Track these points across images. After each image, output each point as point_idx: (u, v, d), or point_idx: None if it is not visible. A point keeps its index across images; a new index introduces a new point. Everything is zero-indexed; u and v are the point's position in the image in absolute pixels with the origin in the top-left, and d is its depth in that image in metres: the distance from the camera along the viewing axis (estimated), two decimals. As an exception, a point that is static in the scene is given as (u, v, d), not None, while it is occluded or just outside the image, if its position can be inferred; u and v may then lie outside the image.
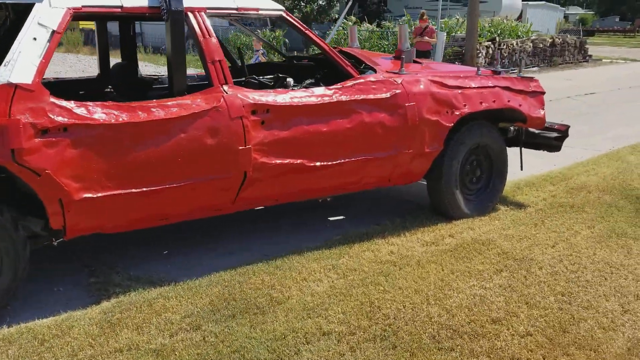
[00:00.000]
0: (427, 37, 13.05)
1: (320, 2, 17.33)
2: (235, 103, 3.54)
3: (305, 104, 3.81)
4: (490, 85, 4.67)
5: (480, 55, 17.47)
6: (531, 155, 5.72)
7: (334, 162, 3.97)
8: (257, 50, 10.80)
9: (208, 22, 3.60)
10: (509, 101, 4.71)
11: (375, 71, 4.33)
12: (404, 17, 12.91)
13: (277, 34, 20.13)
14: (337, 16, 19.29)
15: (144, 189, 3.33)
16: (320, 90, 3.93)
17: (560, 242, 4.35)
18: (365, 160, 4.11)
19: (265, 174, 3.72)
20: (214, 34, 3.60)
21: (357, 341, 3.03)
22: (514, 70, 18.86)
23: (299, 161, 3.82)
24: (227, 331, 3.09)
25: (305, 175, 3.90)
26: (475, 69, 4.87)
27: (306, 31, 3.99)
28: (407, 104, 4.19)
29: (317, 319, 3.22)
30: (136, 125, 3.25)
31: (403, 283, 3.65)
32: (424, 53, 13.34)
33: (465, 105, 4.47)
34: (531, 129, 5.23)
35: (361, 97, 4.02)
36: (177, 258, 4.07)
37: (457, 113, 4.42)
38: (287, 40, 20.37)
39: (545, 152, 5.38)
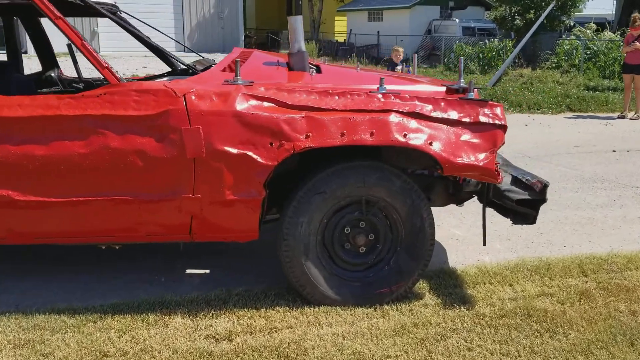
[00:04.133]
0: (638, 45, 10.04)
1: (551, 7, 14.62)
2: None
3: (6, 116, 2.80)
4: (374, 108, 2.96)
5: None
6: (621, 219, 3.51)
7: (66, 199, 2.86)
8: (397, 65, 9.95)
9: None
10: (405, 135, 2.93)
11: (189, 76, 3.07)
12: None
13: (504, 43, 17.91)
14: (572, 23, 16.23)
15: None
16: (44, 99, 2.86)
17: (404, 384, 2.53)
18: (120, 202, 2.88)
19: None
20: None
21: None
22: None
23: (2, 193, 2.83)
24: None
25: (20, 213, 2.88)
26: (378, 80, 3.13)
27: (57, 20, 2.93)
28: (184, 128, 2.83)
29: None
30: None
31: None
32: (636, 67, 10.35)
33: (308, 135, 2.89)
34: (499, 185, 3.26)
35: (105, 113, 2.82)
36: None
37: (288, 147, 2.88)
38: (519, 51, 17.94)
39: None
